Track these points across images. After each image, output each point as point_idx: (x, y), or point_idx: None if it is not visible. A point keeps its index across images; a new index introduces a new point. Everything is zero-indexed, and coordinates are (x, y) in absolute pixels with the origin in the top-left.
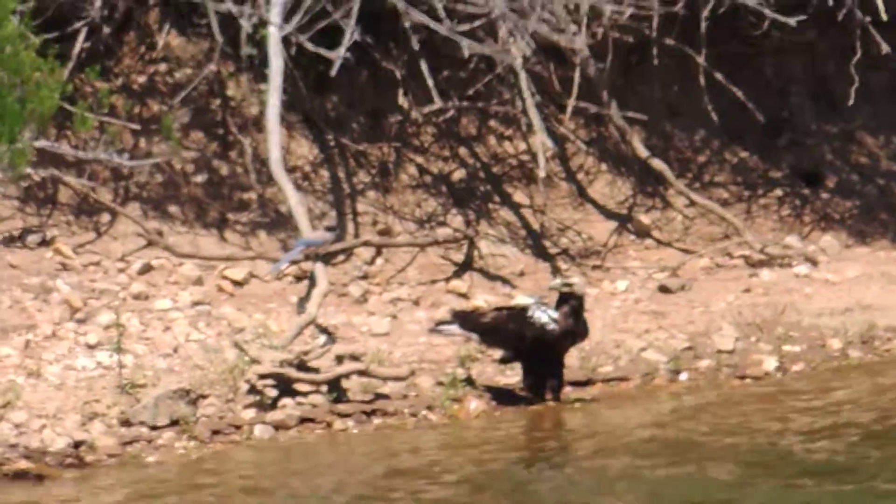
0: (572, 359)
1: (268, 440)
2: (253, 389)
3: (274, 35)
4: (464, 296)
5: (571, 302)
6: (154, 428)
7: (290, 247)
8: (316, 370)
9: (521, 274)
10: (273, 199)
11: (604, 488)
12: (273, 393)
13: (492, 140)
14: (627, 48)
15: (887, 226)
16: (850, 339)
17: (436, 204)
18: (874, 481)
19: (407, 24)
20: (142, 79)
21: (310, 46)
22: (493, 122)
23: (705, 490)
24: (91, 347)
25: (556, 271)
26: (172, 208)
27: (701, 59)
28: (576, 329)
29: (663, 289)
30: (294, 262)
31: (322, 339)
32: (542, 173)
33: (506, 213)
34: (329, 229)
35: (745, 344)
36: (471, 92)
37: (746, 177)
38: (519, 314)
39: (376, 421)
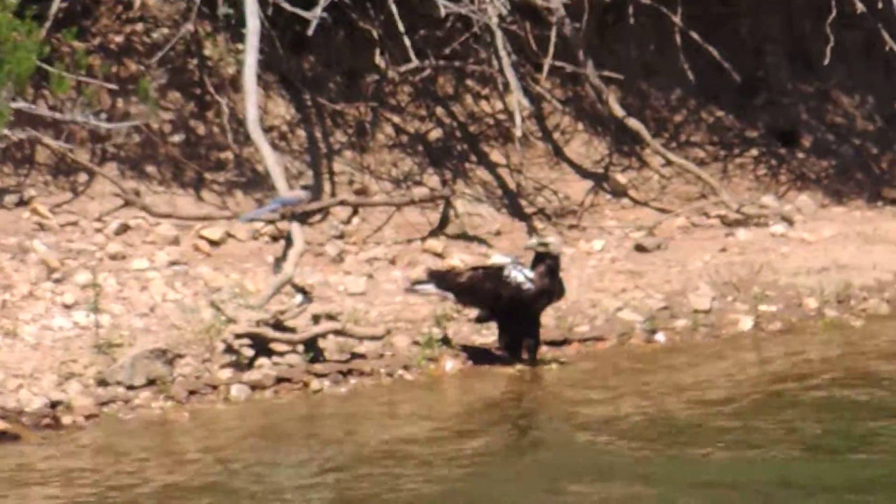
0: (548, 318)
1: (244, 400)
2: (229, 349)
3: None
4: (440, 255)
5: (547, 261)
6: (131, 388)
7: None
8: (292, 330)
9: (498, 233)
10: (250, 159)
11: (574, 446)
12: (249, 353)
13: (468, 99)
14: (603, 7)
15: (863, 185)
16: (827, 298)
17: (412, 163)
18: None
19: None
20: (119, 39)
21: (286, 6)
22: (469, 82)
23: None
24: (68, 307)
25: (532, 231)
26: (149, 168)
27: (677, 19)
28: (552, 288)
29: (639, 248)
30: (269, 222)
31: (298, 298)
32: (518, 132)
33: (482, 173)
34: (305, 188)
35: (721, 303)
36: (447, 51)
37: (722, 136)
38: (495, 274)
39: (352, 381)
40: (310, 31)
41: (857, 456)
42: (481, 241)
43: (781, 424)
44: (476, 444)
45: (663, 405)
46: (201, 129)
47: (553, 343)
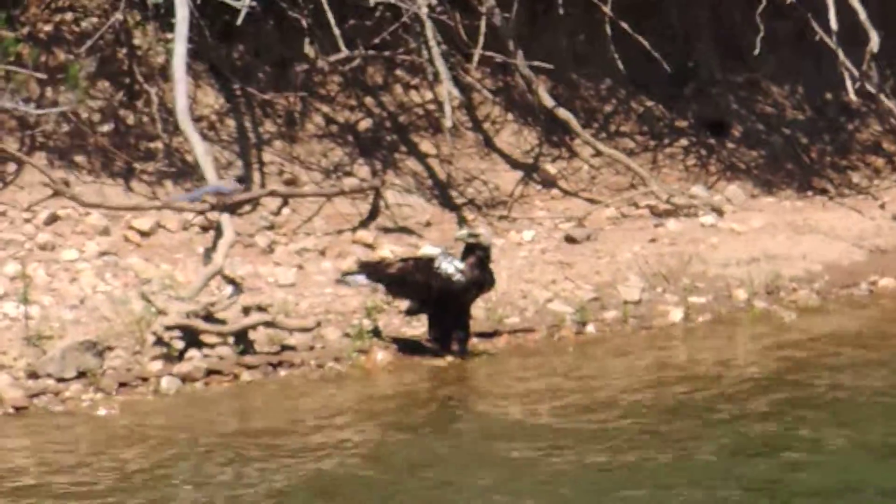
0: (479, 310)
1: (175, 392)
2: (160, 341)
3: None
4: (370, 246)
5: (478, 252)
6: (61, 380)
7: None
8: (222, 321)
9: (428, 224)
10: (180, 149)
11: (504, 437)
12: (180, 345)
13: (398, 89)
14: None
15: (793, 175)
16: (756, 289)
17: (342, 153)
18: None
19: None
20: (48, 27)
21: None
22: (399, 72)
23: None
24: None
25: (462, 221)
26: (79, 158)
27: (607, 9)
28: (482, 280)
29: (569, 239)
30: (199, 213)
31: (229, 290)
32: (448, 123)
33: (412, 163)
34: (239, 180)
35: (651, 295)
36: (377, 41)
37: (652, 126)
38: (425, 265)
39: (283, 373)
40: (239, 21)
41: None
42: (411, 231)
43: (699, 424)
44: (401, 436)
45: (590, 398)
46: (131, 119)
47: (483, 335)
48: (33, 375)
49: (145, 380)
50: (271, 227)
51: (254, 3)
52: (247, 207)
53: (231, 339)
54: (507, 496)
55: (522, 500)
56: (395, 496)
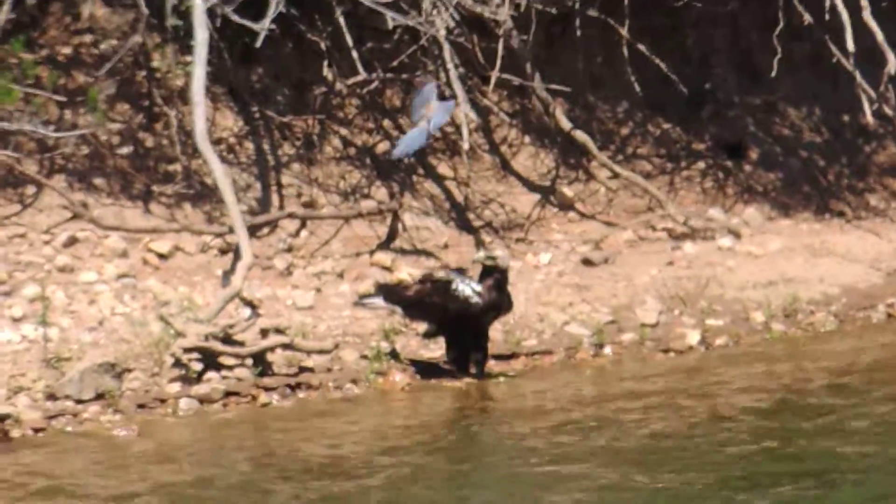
0: (496, 332)
1: (193, 414)
2: (178, 363)
3: (199, 6)
4: (388, 269)
5: (495, 275)
6: (80, 402)
7: (216, 218)
8: (241, 343)
9: (445, 246)
10: (198, 171)
11: (524, 460)
12: (198, 366)
13: None
14: (550, 19)
15: (810, 198)
16: (774, 312)
17: (360, 176)
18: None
19: None
20: (67, 50)
21: (235, 18)
22: None
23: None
24: (16, 321)
25: (479, 244)
26: (98, 180)
27: (624, 31)
28: (499, 302)
29: (586, 262)
30: (218, 235)
31: (247, 312)
32: (465, 145)
33: (430, 186)
34: (446, 99)
35: (668, 317)
36: (395, 63)
37: (669, 149)
38: (443, 287)
39: (301, 394)
40: (258, 43)
41: None
42: (429, 254)
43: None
44: (420, 459)
45: (612, 419)
46: (150, 141)
47: (501, 357)
48: (52, 397)
49: (164, 401)
50: (289, 250)
51: (273, 26)
52: (265, 230)
53: (249, 361)
54: None
55: None
56: None
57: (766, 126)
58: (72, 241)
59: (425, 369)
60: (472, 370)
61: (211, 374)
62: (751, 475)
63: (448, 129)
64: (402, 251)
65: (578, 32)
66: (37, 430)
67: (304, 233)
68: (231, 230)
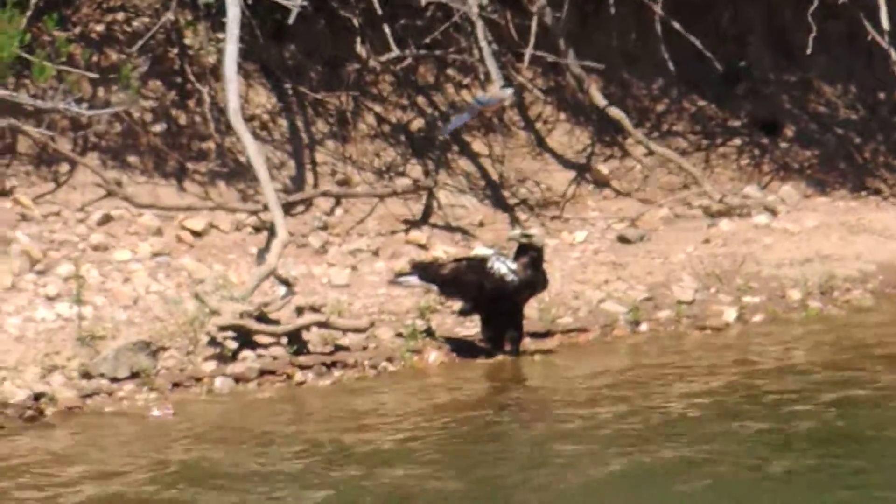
0: (531, 310)
1: (228, 392)
2: (213, 341)
3: None
4: (423, 247)
5: (531, 253)
6: (114, 380)
7: (250, 196)
8: (276, 322)
9: (481, 224)
10: (232, 149)
11: (557, 438)
12: (233, 345)
13: (450, 89)
14: None
15: (846, 175)
16: (810, 289)
17: (394, 154)
18: None
19: None
20: (100, 27)
21: None
22: (450, 71)
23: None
24: (51, 299)
25: (514, 221)
26: (131, 158)
27: (657, 8)
28: (535, 280)
29: (622, 239)
30: (252, 213)
31: (282, 290)
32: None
33: (465, 163)
34: (505, 86)
35: (704, 295)
36: (428, 40)
37: (705, 126)
38: (478, 265)
39: (336, 373)
40: (290, 20)
41: None
42: (465, 232)
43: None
44: (454, 439)
45: (647, 397)
46: (183, 119)
47: (536, 335)
48: (87, 375)
49: (199, 380)
50: (324, 228)
51: (305, 3)
52: (300, 208)
53: (284, 340)
54: (563, 495)
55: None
56: (453, 496)
57: (802, 103)
58: (106, 220)
59: (461, 347)
60: (508, 348)
61: (246, 353)
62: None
63: None
64: (438, 229)
65: (612, 10)
66: (71, 409)
67: (338, 210)
68: (265, 208)
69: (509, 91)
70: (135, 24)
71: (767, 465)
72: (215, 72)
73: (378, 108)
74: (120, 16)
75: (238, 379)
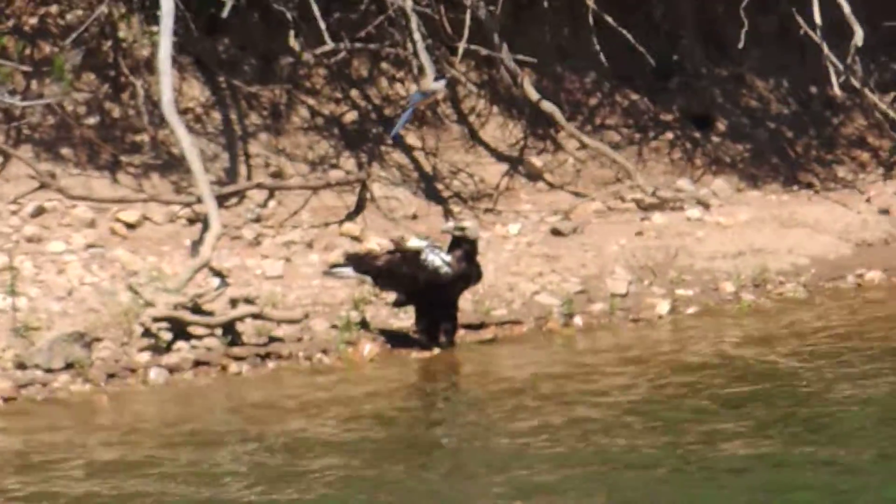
0: (465, 302)
1: (163, 383)
2: (147, 332)
3: None
4: (357, 239)
5: (464, 245)
6: (49, 371)
7: (184, 188)
8: (210, 313)
9: (414, 217)
10: (165, 141)
11: (489, 429)
12: (168, 336)
13: (383, 82)
14: None
15: (778, 169)
16: (743, 282)
17: (328, 146)
18: None
19: None
20: (33, 20)
21: None
22: (384, 65)
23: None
24: None
25: (448, 214)
26: (65, 150)
27: (591, 2)
28: (469, 272)
29: (555, 232)
30: (186, 205)
31: (216, 282)
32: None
33: (398, 156)
34: (437, 78)
35: (638, 287)
36: (362, 34)
37: (637, 119)
38: (412, 257)
39: (271, 364)
40: (224, 14)
41: None
42: (398, 224)
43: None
44: (386, 429)
45: (580, 388)
46: (116, 112)
47: (470, 327)
48: (21, 366)
49: (133, 371)
50: (258, 220)
51: None
52: (233, 200)
53: (219, 331)
54: (492, 484)
55: (516, 486)
56: (382, 486)
57: (734, 97)
58: (39, 212)
59: (395, 339)
60: (442, 339)
61: (180, 344)
62: (715, 436)
63: None
64: (371, 221)
65: (546, 3)
66: (7, 399)
67: (272, 203)
68: (199, 200)
69: (442, 82)
70: (68, 16)
71: (691, 455)
72: (149, 65)
73: (312, 102)
74: (53, 9)
75: (173, 370)
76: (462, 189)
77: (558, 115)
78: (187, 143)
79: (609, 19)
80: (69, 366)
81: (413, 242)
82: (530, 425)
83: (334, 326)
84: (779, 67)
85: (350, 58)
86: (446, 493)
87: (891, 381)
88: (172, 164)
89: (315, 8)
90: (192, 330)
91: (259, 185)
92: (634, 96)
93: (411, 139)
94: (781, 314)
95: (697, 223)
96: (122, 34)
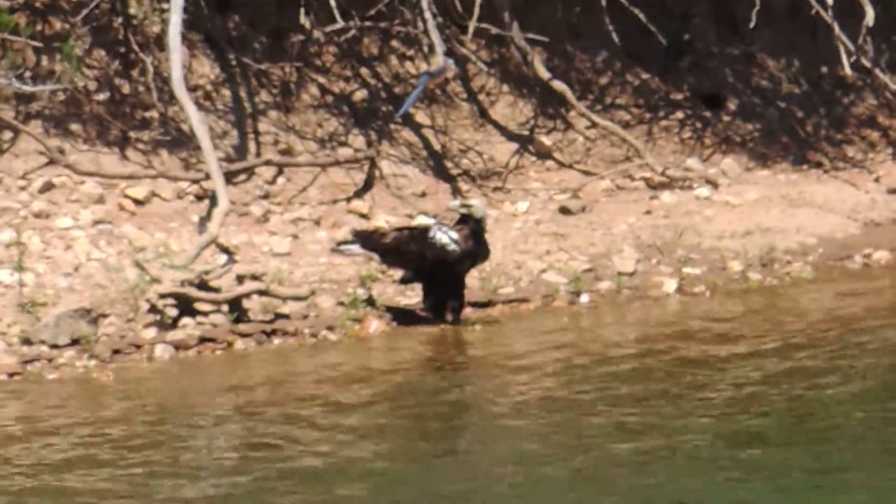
0: (473, 280)
1: (168, 360)
2: (153, 309)
3: None
4: (365, 216)
5: (471, 223)
6: (55, 347)
7: (192, 165)
8: (216, 290)
9: (423, 194)
10: (175, 118)
11: (495, 406)
12: (174, 312)
13: (393, 60)
14: None
15: (787, 148)
16: (751, 261)
17: (337, 124)
18: None
19: None
20: None
21: None
22: (394, 43)
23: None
24: None
25: (457, 192)
26: (74, 126)
27: None
28: (476, 250)
29: (564, 210)
30: (194, 182)
31: (223, 258)
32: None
33: (407, 134)
34: (447, 55)
35: (645, 266)
36: (373, 12)
37: (648, 99)
38: (420, 235)
39: (277, 341)
40: None
41: None
42: (406, 202)
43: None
44: (392, 406)
45: (585, 365)
46: (126, 88)
47: (477, 304)
48: (27, 342)
49: (139, 347)
50: (266, 197)
51: None
52: (242, 177)
53: (225, 308)
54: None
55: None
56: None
57: (745, 77)
58: (48, 187)
59: (402, 316)
60: (449, 317)
61: (186, 321)
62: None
63: None
64: (380, 198)
65: None
66: (12, 375)
67: (280, 180)
68: (207, 177)
69: (450, 62)
70: None
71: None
72: (159, 42)
73: (321, 79)
74: None
75: (178, 346)
76: (471, 167)
77: (569, 94)
78: (196, 120)
79: None
80: (75, 341)
81: (421, 220)
82: (537, 400)
83: (341, 303)
84: (790, 47)
85: (360, 35)
86: (449, 468)
87: None
88: (181, 141)
89: None
90: (199, 306)
91: (268, 162)
92: (645, 75)
93: (421, 117)
94: (788, 293)
95: (706, 202)
96: (132, 10)
